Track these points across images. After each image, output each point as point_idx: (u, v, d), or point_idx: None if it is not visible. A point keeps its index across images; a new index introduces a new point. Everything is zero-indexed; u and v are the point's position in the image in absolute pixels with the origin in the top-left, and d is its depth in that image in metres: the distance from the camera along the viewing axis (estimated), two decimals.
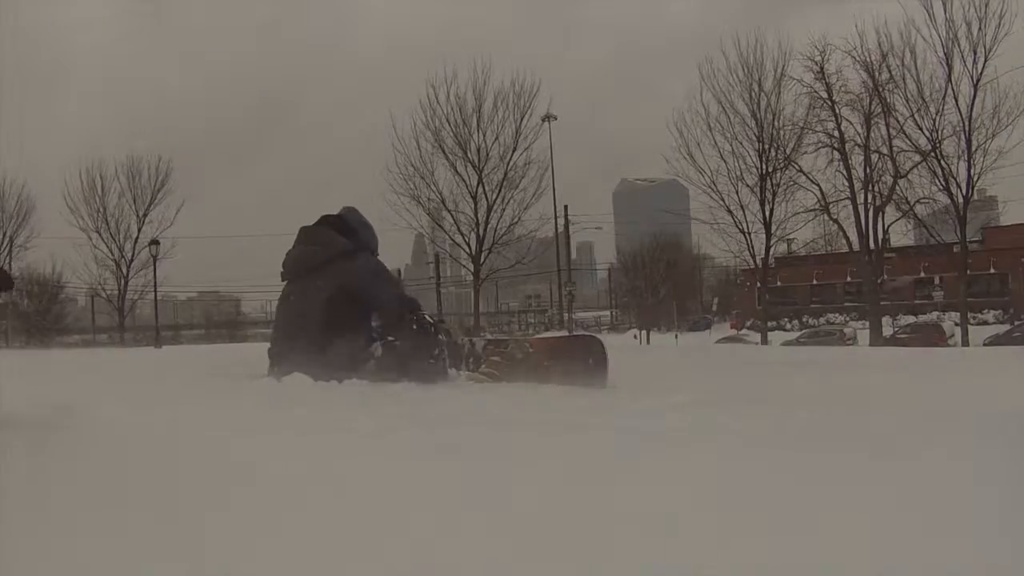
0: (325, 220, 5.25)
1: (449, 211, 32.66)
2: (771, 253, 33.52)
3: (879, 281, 31.48)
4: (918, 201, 29.01)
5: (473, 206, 32.22)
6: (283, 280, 5.19)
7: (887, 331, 34.13)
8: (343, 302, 4.83)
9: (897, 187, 28.84)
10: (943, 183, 27.91)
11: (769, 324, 36.04)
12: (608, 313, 66.14)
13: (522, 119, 32.34)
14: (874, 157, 29.25)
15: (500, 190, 32.13)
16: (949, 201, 28.16)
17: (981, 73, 26.99)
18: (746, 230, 31.47)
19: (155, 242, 35.46)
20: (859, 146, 29.39)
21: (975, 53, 27.08)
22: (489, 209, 32.10)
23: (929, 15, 27.56)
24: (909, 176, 28.62)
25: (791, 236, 34.40)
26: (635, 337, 45.44)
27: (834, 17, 35.78)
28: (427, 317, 5.14)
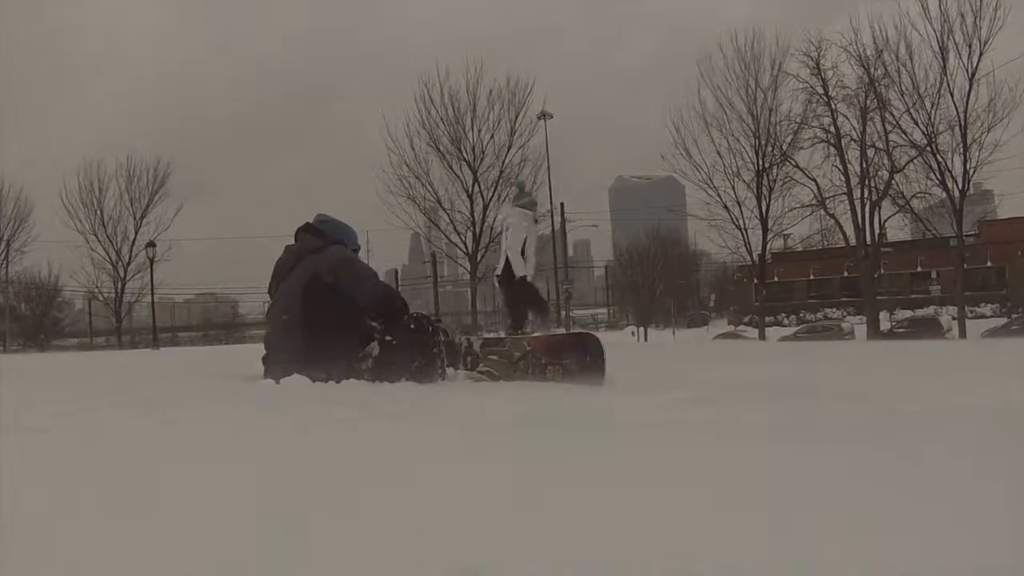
0: (299, 229, 5.27)
1: (445, 210, 32.72)
2: (768, 249, 33.57)
3: (876, 276, 31.57)
4: (914, 196, 29.07)
5: (469, 204, 32.26)
6: (269, 294, 5.20)
7: (884, 326, 34.22)
8: (318, 292, 4.80)
9: (893, 182, 28.90)
10: (939, 177, 27.95)
11: (766, 320, 36.09)
12: (605, 310, 66.25)
13: (517, 117, 32.39)
14: (870, 152, 29.33)
15: (496, 188, 32.16)
16: (945, 195, 28.21)
17: (976, 67, 27.05)
18: (743, 226, 31.57)
19: (151, 244, 35.42)
20: (855, 141, 29.44)
21: (970, 47, 27.14)
22: (485, 207, 32.13)
23: (924, 9, 27.62)
24: (905, 171, 28.69)
25: (788, 232, 34.47)
26: (632, 334, 45.53)
27: (885, 11, 36.06)
28: (425, 316, 5.14)
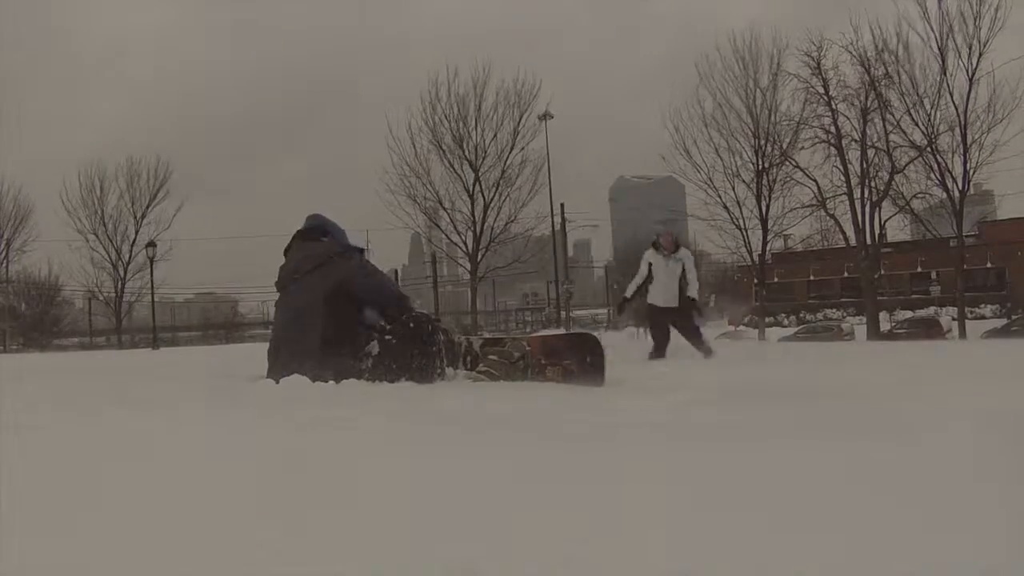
0: (307, 231, 5.26)
1: (446, 210, 32.65)
2: (768, 249, 33.54)
3: (876, 276, 31.56)
4: (915, 196, 29.01)
5: (470, 204, 32.23)
6: (278, 289, 5.20)
7: (884, 326, 34.19)
8: (342, 299, 4.86)
9: (894, 182, 28.86)
10: (939, 178, 27.90)
11: (767, 320, 36.04)
12: (605, 311, 66.12)
13: (521, 117, 32.36)
14: (871, 152, 29.26)
15: (497, 188, 32.15)
16: (945, 196, 28.17)
17: (976, 67, 27.00)
18: (743, 226, 31.51)
19: (152, 244, 35.40)
20: (856, 141, 29.38)
21: (970, 47, 27.08)
22: (486, 207, 32.09)
23: (923, 9, 27.58)
24: (906, 171, 28.64)
25: (788, 232, 34.41)
26: (633, 335, 45.46)
27: (885, 11, 36.37)
28: (425, 315, 5.15)
